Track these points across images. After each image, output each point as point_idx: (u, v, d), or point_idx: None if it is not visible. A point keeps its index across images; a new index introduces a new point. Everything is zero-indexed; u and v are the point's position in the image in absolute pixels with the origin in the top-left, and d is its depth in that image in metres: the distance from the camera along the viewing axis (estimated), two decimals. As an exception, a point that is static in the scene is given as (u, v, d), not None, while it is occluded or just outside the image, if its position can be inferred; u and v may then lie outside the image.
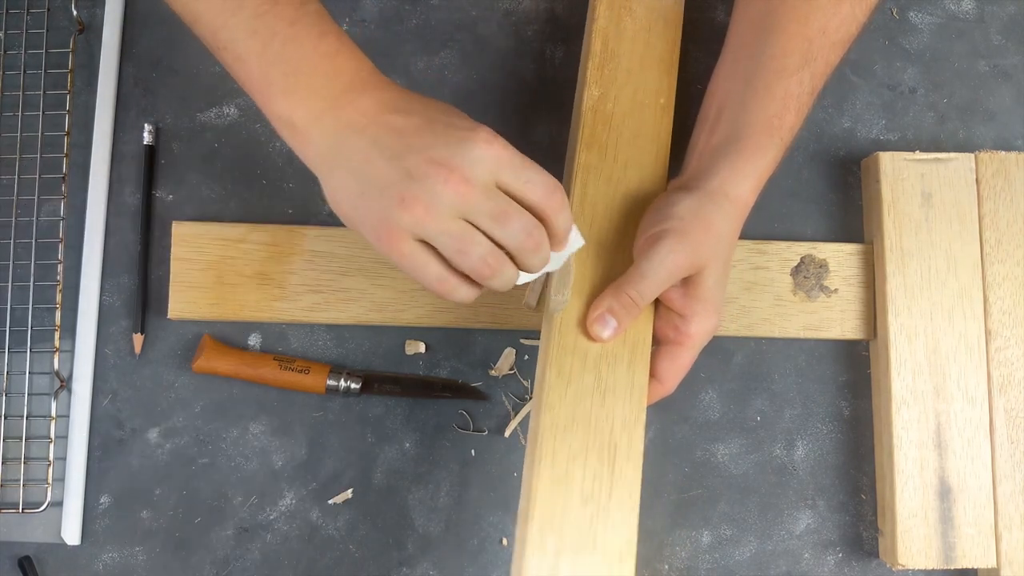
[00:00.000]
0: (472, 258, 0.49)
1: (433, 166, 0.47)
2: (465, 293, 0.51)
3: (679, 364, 0.57)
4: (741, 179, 0.56)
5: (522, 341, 0.69)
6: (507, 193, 0.49)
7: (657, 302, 0.57)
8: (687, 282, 0.56)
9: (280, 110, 0.50)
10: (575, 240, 0.54)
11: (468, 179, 0.47)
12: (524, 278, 0.53)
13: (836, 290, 0.69)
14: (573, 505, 0.53)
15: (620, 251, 0.58)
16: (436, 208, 0.47)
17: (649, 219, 0.57)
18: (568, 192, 0.60)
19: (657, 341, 0.57)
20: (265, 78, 0.50)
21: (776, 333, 0.69)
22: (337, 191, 0.50)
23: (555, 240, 0.52)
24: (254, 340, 0.69)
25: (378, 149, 0.48)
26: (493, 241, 0.49)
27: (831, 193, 0.72)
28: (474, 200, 0.47)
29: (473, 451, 0.68)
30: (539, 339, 0.69)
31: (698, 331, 0.56)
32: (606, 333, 0.55)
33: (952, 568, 0.64)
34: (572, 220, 0.52)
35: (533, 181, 0.49)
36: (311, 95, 0.49)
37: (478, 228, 0.48)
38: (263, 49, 0.50)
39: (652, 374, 0.57)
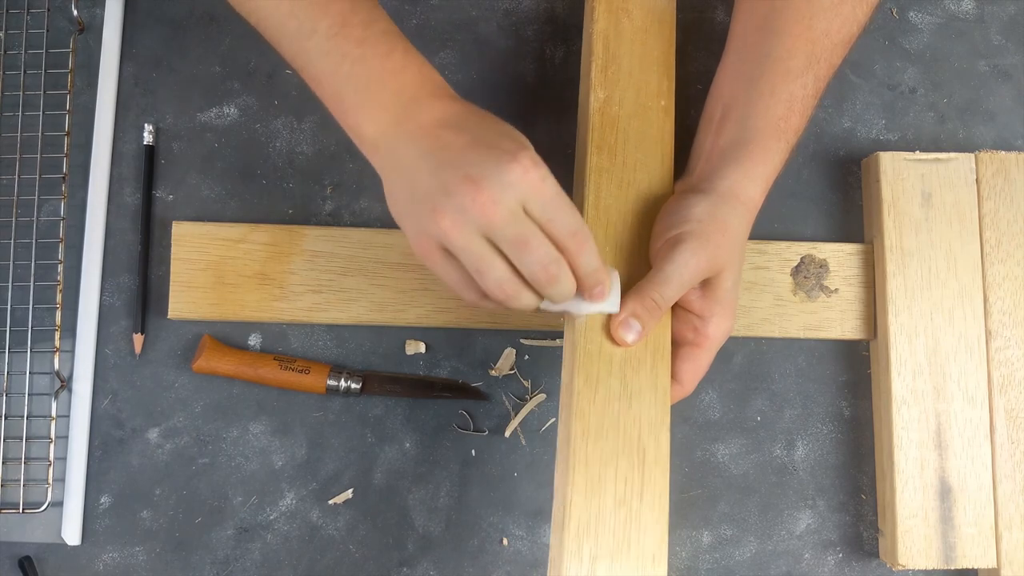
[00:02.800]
0: (488, 281, 0.50)
1: (466, 183, 0.48)
2: (488, 304, 0.52)
3: (698, 365, 0.57)
4: (751, 182, 0.57)
5: (522, 341, 0.69)
6: (534, 222, 0.49)
7: (675, 305, 0.57)
8: (706, 284, 0.56)
9: (352, 124, 0.53)
10: (612, 300, 0.54)
11: (496, 201, 0.48)
12: (547, 306, 0.53)
13: (836, 290, 0.69)
14: (607, 510, 0.53)
15: (635, 254, 0.58)
16: (461, 224, 0.48)
17: (664, 222, 0.57)
18: (581, 197, 0.60)
19: (675, 343, 0.58)
20: (338, 96, 0.53)
21: (776, 333, 0.69)
22: (391, 195, 0.53)
23: (580, 282, 0.52)
24: (254, 340, 0.69)
25: (425, 160, 0.50)
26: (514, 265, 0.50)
27: (831, 193, 0.72)
28: (498, 223, 0.48)
29: (473, 451, 0.68)
30: (540, 339, 0.69)
31: (716, 332, 0.57)
32: (631, 337, 0.55)
33: (952, 568, 0.64)
34: (601, 265, 0.52)
35: (555, 220, 0.49)
36: (379, 111, 0.52)
37: (501, 250, 0.49)
38: (335, 69, 0.52)
39: (672, 376, 0.57)
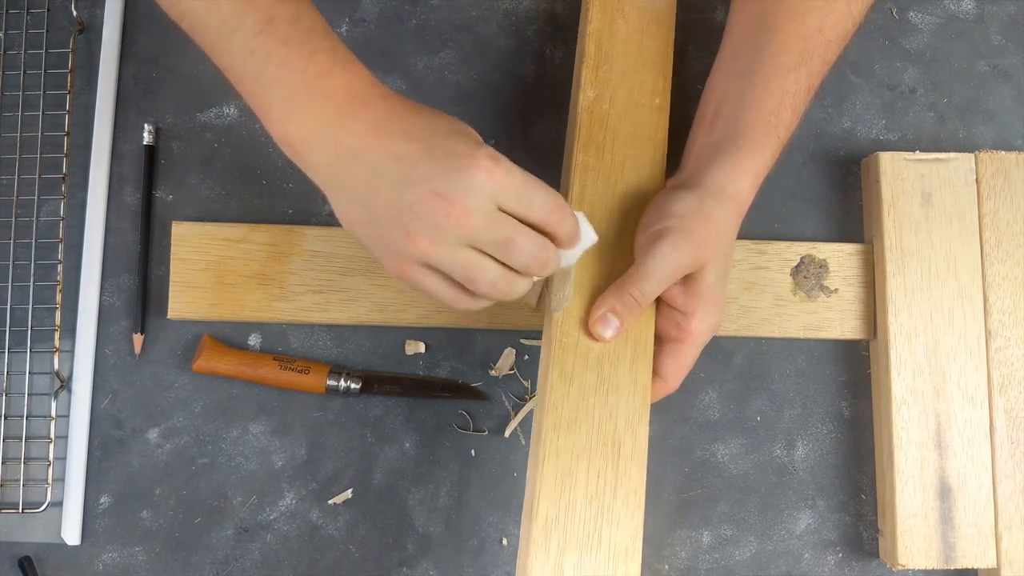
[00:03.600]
0: (481, 284, 0.49)
1: (434, 199, 0.47)
2: (482, 304, 0.52)
3: (682, 362, 0.57)
4: (740, 177, 0.56)
5: (522, 341, 0.69)
6: (511, 215, 0.49)
7: (659, 300, 0.57)
8: (688, 279, 0.56)
9: (278, 132, 0.50)
10: (587, 237, 0.54)
11: (469, 210, 0.47)
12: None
13: (836, 290, 0.69)
14: (577, 503, 0.53)
15: (620, 250, 0.58)
16: (440, 241, 0.48)
17: (649, 217, 0.57)
18: (566, 193, 0.60)
19: (659, 339, 0.57)
20: (264, 100, 0.49)
21: (776, 333, 0.69)
22: (345, 215, 0.51)
23: (561, 244, 0.52)
24: (254, 340, 0.69)
25: (379, 178, 0.48)
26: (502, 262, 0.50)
27: (831, 193, 0.72)
28: (478, 230, 0.48)
29: (473, 451, 0.68)
30: (540, 339, 0.69)
31: (700, 328, 0.56)
32: (608, 333, 0.55)
33: (952, 568, 0.64)
34: (577, 221, 0.52)
35: (533, 204, 0.49)
36: (306, 118, 0.49)
37: (485, 252, 0.49)
38: (260, 72, 0.48)
39: (655, 372, 0.57)
